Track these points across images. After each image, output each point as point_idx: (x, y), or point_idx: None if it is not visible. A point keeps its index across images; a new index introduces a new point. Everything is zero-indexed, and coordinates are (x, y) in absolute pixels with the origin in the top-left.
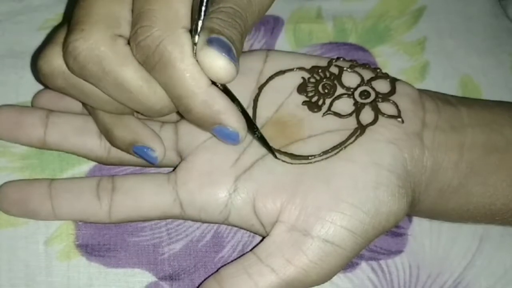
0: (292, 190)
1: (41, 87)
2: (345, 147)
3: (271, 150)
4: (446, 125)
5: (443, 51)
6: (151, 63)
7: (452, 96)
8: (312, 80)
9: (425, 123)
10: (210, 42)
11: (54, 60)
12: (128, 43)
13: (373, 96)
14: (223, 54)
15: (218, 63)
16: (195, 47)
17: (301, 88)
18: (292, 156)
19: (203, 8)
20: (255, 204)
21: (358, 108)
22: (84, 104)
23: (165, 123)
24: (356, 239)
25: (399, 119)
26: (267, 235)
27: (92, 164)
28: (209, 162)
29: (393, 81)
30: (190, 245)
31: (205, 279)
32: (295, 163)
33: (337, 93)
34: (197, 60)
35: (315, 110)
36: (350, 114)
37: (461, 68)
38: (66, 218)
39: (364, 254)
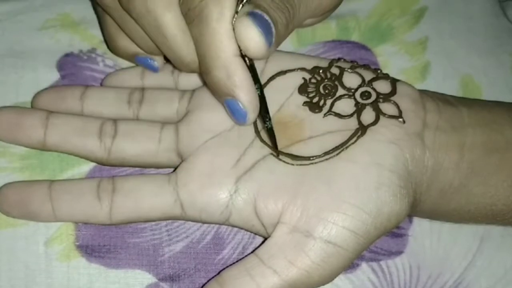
0: (294, 191)
1: (41, 87)
2: (346, 147)
3: (275, 145)
4: (447, 125)
5: (444, 51)
6: (191, 16)
7: (452, 96)
8: (313, 80)
9: (426, 123)
10: (251, 14)
11: None
12: None
13: (374, 96)
14: (259, 28)
15: (250, 35)
16: (236, 15)
17: (302, 89)
18: (293, 156)
19: None
20: (256, 205)
21: (359, 109)
22: (96, 7)
23: (166, 124)
24: (358, 240)
25: (400, 119)
26: (268, 236)
27: (92, 164)
28: (210, 163)
29: (394, 81)
30: (190, 246)
31: (207, 282)
32: (296, 164)
33: (338, 94)
34: (233, 28)
35: (316, 110)
36: (351, 115)
37: (461, 68)
38: (67, 219)
39: (365, 255)
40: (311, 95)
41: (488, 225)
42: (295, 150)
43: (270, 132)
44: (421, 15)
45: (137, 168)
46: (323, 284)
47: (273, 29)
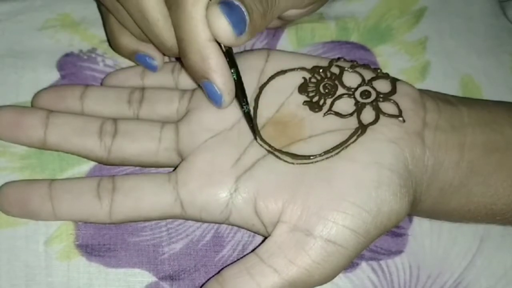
0: (294, 190)
1: (41, 87)
2: (346, 146)
3: (253, 129)
4: (447, 124)
5: (444, 51)
6: (170, 1)
7: (452, 96)
8: (313, 80)
9: (425, 123)
10: (222, 3)
11: None
12: None
13: (374, 96)
14: (228, 18)
15: (219, 24)
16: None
17: (302, 88)
18: (293, 156)
19: None
20: (256, 204)
21: (359, 108)
22: (101, 6)
23: (166, 124)
24: (359, 239)
25: (400, 119)
26: (269, 235)
27: (92, 164)
28: (209, 162)
29: (394, 81)
30: (190, 245)
31: (206, 281)
32: (296, 163)
33: (338, 93)
34: None
35: (316, 110)
36: (351, 114)
37: (461, 68)
38: (67, 218)
39: (365, 254)
40: (311, 94)
41: (488, 225)
42: (295, 149)
43: (247, 116)
44: (421, 15)
45: (137, 168)
46: (323, 283)
47: (247, 18)
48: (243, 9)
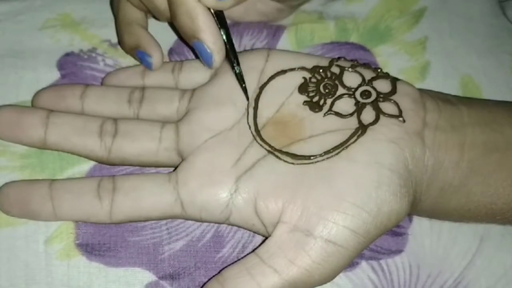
0: (294, 190)
1: (41, 86)
2: (346, 147)
3: (245, 90)
4: (447, 124)
5: (444, 51)
6: None
7: (452, 95)
8: (313, 80)
9: (426, 123)
10: None
11: None
12: None
13: (374, 96)
14: None
15: None
16: None
17: (302, 88)
18: (294, 156)
19: None
20: (256, 204)
21: (359, 108)
22: (112, 6)
23: (166, 123)
24: (359, 239)
25: (400, 119)
26: (269, 235)
27: (92, 163)
28: (210, 162)
29: (394, 80)
30: (190, 244)
31: (207, 280)
32: (296, 163)
33: (338, 93)
34: None
35: (316, 110)
36: (351, 114)
37: (461, 68)
38: (67, 218)
39: (365, 254)
40: (311, 94)
41: (488, 225)
42: (295, 149)
43: (239, 77)
44: (421, 15)
45: (137, 167)
46: (324, 283)
47: None
48: None
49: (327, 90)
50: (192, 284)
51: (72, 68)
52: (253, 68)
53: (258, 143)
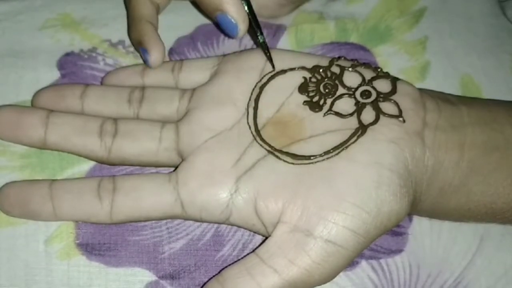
0: (294, 190)
1: (41, 86)
2: (346, 147)
3: (270, 58)
4: (447, 124)
5: (444, 51)
6: None
7: (452, 95)
8: (314, 79)
9: (426, 123)
10: None
11: None
12: None
13: (374, 95)
14: None
15: None
16: None
17: (303, 88)
18: (294, 156)
19: None
20: (256, 204)
21: (359, 108)
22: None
23: (166, 123)
24: (359, 239)
25: (400, 119)
26: (269, 235)
27: (92, 163)
28: (210, 162)
29: (394, 80)
30: (190, 244)
31: (207, 280)
32: (296, 163)
33: (338, 93)
34: None
35: (316, 110)
36: (351, 114)
37: (461, 68)
38: (67, 219)
39: (365, 253)
40: (311, 94)
41: (488, 224)
42: (295, 149)
43: (263, 46)
44: (421, 15)
45: (137, 167)
46: (324, 283)
47: None
48: None
49: (327, 90)
50: (192, 283)
51: (72, 68)
52: (253, 67)
53: (258, 143)
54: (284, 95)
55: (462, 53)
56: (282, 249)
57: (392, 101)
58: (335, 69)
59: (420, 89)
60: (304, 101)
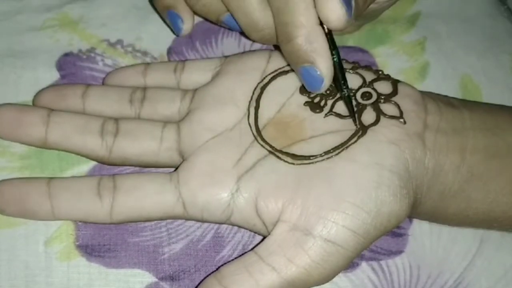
0: (294, 190)
1: (40, 87)
2: (346, 147)
3: (353, 113)
4: (448, 127)
5: (443, 52)
6: None
7: (455, 98)
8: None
9: (426, 125)
10: None
11: None
12: None
13: (374, 97)
14: (341, 0)
15: (332, 6)
16: None
17: (303, 89)
18: (294, 156)
19: None
20: (257, 204)
21: (359, 109)
22: None
23: (167, 123)
24: (358, 239)
25: (401, 120)
26: (269, 234)
27: (92, 164)
28: (211, 162)
29: (395, 82)
30: (190, 245)
31: (205, 277)
32: (296, 163)
33: (339, 94)
34: None
35: (317, 110)
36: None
37: (461, 68)
38: (66, 218)
39: (365, 254)
40: (312, 95)
41: None
42: (296, 149)
43: (348, 100)
44: (416, 18)
45: (137, 168)
46: (323, 283)
47: (353, 1)
48: None
49: (328, 91)
50: (192, 285)
51: (72, 69)
52: (255, 68)
53: (259, 144)
54: (285, 96)
55: (461, 53)
56: (281, 248)
57: (393, 102)
58: None
59: (422, 92)
60: (305, 102)
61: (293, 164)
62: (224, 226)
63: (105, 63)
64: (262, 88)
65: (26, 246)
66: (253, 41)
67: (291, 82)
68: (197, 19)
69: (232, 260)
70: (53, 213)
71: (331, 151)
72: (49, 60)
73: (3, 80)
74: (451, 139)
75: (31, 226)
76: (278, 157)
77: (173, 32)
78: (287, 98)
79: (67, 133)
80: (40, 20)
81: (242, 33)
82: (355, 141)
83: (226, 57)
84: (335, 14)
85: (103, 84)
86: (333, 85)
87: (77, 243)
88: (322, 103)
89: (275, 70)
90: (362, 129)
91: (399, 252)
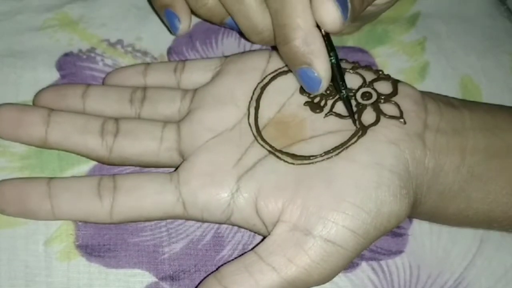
0: (294, 190)
1: (40, 87)
2: (346, 147)
3: (352, 113)
4: (448, 127)
5: (443, 52)
6: None
7: (455, 98)
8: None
9: (426, 125)
10: None
11: None
12: None
13: (375, 97)
14: (337, 2)
15: (327, 9)
16: None
17: (303, 89)
18: (294, 156)
19: None
20: (257, 204)
21: (360, 109)
22: None
23: (167, 123)
24: (358, 239)
25: (401, 120)
26: (269, 234)
27: (92, 164)
28: (211, 162)
29: (395, 82)
30: (190, 245)
31: (205, 277)
32: (296, 163)
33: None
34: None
35: (317, 110)
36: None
37: (461, 68)
38: (66, 218)
39: (365, 254)
40: (312, 95)
41: None
42: (296, 149)
43: (347, 101)
44: (416, 18)
45: (137, 168)
46: (322, 283)
47: (349, 4)
48: None
49: (328, 91)
50: (192, 285)
51: (72, 69)
52: (255, 68)
53: (259, 144)
54: (285, 96)
55: (461, 53)
56: (281, 248)
57: (393, 102)
58: None
59: (422, 92)
60: (305, 102)
61: (293, 164)
62: (224, 226)
63: (105, 63)
64: (262, 88)
65: (26, 246)
66: (253, 43)
67: (291, 82)
68: (197, 19)
69: (232, 260)
70: (53, 213)
71: (331, 151)
72: (49, 60)
73: (3, 80)
74: (451, 139)
75: (31, 226)
76: (278, 157)
77: (170, 32)
78: (287, 98)
79: (67, 133)
80: (40, 20)
81: (243, 35)
82: (355, 141)
83: (226, 57)
84: (331, 16)
85: (103, 84)
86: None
87: (77, 243)
88: (322, 103)
89: (275, 70)
90: (362, 129)
91: (399, 252)
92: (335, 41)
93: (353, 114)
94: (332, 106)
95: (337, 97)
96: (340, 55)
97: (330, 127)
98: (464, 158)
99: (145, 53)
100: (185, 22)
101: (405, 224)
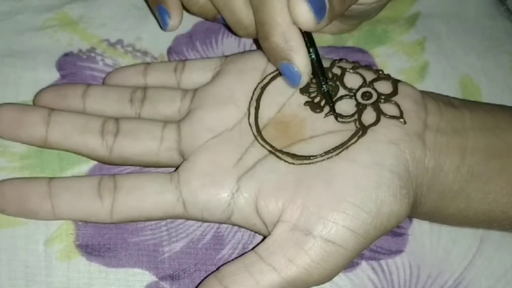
0: (294, 190)
1: (40, 87)
2: (346, 147)
3: (333, 106)
4: (448, 127)
5: (442, 52)
6: None
7: (455, 98)
8: (315, 80)
9: (427, 125)
10: None
11: None
12: None
13: (375, 97)
14: (309, 4)
15: (300, 9)
16: None
17: (304, 89)
18: (294, 156)
19: None
20: (257, 204)
21: (360, 109)
22: None
23: (167, 123)
24: (358, 239)
25: (401, 120)
26: (270, 234)
27: (92, 164)
28: (211, 162)
29: (395, 82)
30: (190, 245)
31: (205, 277)
32: (296, 163)
33: (339, 94)
34: None
35: (317, 110)
36: (352, 115)
37: (460, 68)
38: (66, 217)
39: (365, 254)
40: (312, 95)
41: None
42: (296, 149)
43: (327, 95)
44: (415, 18)
45: (137, 168)
46: (323, 283)
47: (327, 4)
48: None
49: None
50: (192, 284)
51: (72, 69)
52: (255, 68)
53: (259, 143)
54: (285, 96)
55: (461, 53)
56: (282, 248)
57: (393, 102)
58: (336, 71)
59: (422, 92)
60: (305, 102)
61: (293, 164)
62: (224, 225)
63: (105, 63)
64: (262, 88)
65: (26, 246)
66: (241, 37)
67: None
68: (198, 19)
69: (232, 259)
70: (54, 212)
71: (331, 151)
72: (49, 60)
73: (3, 80)
74: (451, 139)
75: (31, 226)
76: (278, 157)
77: (160, 27)
78: (287, 98)
79: (68, 133)
80: (40, 20)
81: (232, 30)
82: (355, 141)
83: (226, 57)
84: (304, 17)
85: (103, 84)
86: (334, 85)
87: (77, 242)
88: (322, 103)
89: (275, 70)
90: (362, 129)
91: (399, 251)
92: (335, 41)
93: (334, 109)
94: (332, 106)
95: (337, 97)
96: (340, 55)
97: (330, 127)
98: (464, 158)
99: (145, 53)
100: (176, 19)
101: (405, 224)
